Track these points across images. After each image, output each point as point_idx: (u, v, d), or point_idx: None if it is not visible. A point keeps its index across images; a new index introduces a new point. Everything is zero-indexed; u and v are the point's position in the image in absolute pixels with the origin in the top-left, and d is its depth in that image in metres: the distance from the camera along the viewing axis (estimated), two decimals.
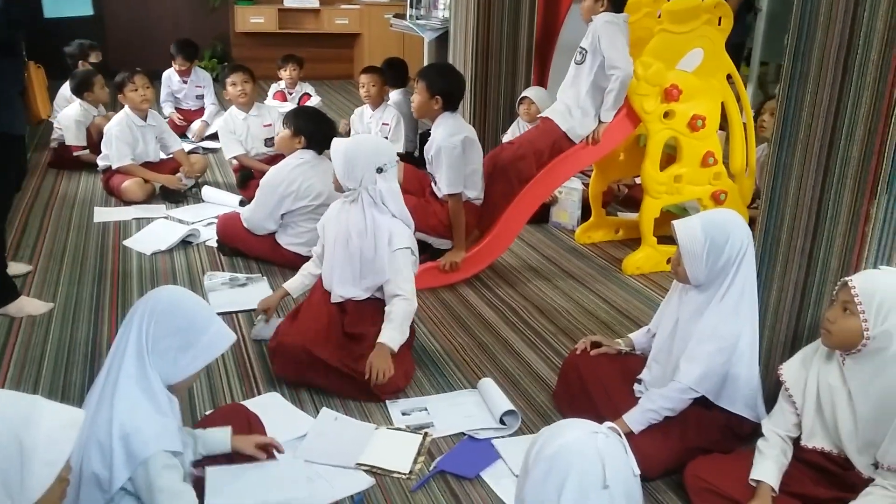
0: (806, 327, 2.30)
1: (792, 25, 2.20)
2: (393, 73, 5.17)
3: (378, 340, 2.46)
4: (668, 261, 2.75)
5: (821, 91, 2.14)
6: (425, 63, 7.19)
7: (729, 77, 3.69)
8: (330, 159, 2.68)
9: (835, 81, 2.10)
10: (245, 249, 3.59)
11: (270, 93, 6.12)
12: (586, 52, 3.47)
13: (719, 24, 3.53)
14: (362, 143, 2.71)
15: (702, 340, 2.14)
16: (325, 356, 2.46)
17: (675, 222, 2.22)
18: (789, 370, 2.07)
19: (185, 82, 5.84)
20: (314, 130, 3.46)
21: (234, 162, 4.59)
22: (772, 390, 2.20)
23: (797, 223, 2.28)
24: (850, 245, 2.15)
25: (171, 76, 5.86)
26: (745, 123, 3.72)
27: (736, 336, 2.13)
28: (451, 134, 3.27)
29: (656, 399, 2.14)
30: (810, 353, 2.05)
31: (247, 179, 4.39)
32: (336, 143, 2.64)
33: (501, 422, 2.37)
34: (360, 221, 2.58)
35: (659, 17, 3.62)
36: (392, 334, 2.47)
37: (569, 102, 3.52)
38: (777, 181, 2.35)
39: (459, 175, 3.30)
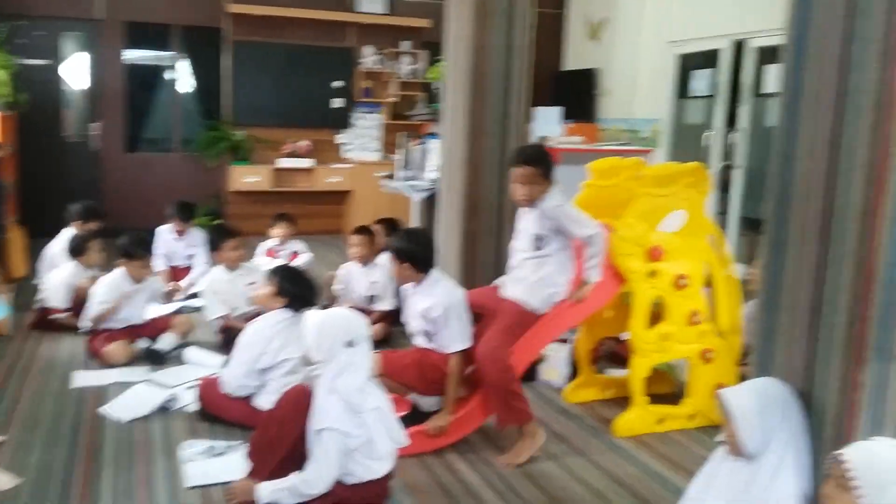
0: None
1: (770, 195, 2.26)
2: (387, 232, 5.27)
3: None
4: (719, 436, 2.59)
5: (802, 257, 2.17)
6: (413, 222, 7.38)
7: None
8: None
9: (816, 248, 2.13)
10: (225, 416, 3.49)
11: (261, 250, 6.19)
12: (545, 237, 3.36)
13: (699, 187, 3.64)
14: (335, 316, 2.72)
15: None
16: None
17: (721, 391, 2.23)
18: None
19: (180, 241, 5.92)
20: (296, 291, 3.47)
21: (219, 323, 4.56)
22: None
23: (787, 385, 2.23)
24: (842, 412, 2.10)
25: (165, 234, 5.94)
26: (728, 282, 3.74)
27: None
28: (450, 291, 3.31)
29: None
30: None
31: (231, 340, 4.33)
32: (310, 315, 2.66)
33: None
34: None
35: (641, 179, 3.74)
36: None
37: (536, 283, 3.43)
38: (765, 343, 2.33)
39: (468, 330, 3.30)
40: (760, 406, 2.10)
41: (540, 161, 3.34)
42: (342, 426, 2.55)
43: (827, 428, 2.13)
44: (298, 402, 2.66)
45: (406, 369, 3.27)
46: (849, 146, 2.00)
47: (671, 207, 3.62)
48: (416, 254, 3.31)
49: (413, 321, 3.41)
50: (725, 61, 7.20)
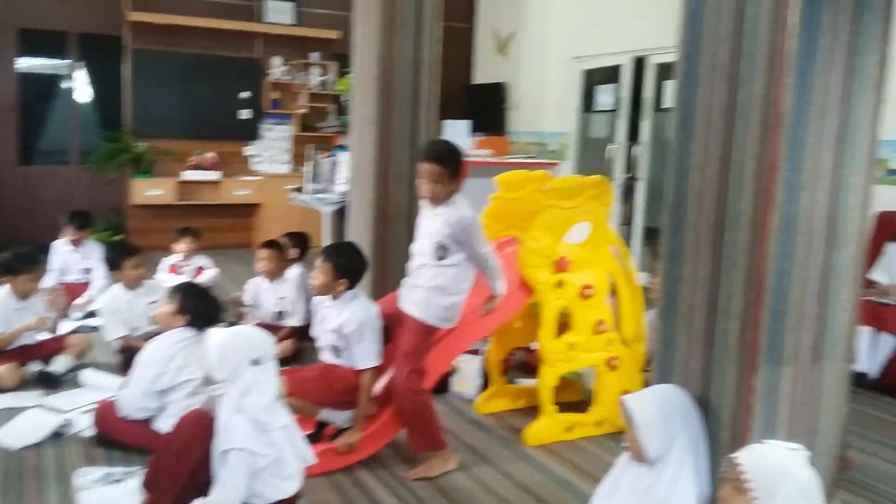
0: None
1: (667, 207, 2.34)
2: (296, 246, 5.19)
3: None
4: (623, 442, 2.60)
5: (697, 266, 2.24)
6: (324, 234, 7.28)
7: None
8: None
9: (709, 257, 2.21)
10: (123, 440, 3.34)
11: (164, 266, 5.98)
12: (448, 247, 3.20)
13: (602, 199, 3.73)
14: (239, 334, 2.63)
15: None
16: None
17: (623, 398, 2.26)
18: None
19: (76, 253, 5.65)
20: (198, 309, 3.36)
21: (118, 343, 4.38)
22: None
23: (686, 391, 2.30)
24: (738, 416, 2.17)
25: (59, 247, 5.66)
26: (632, 291, 3.85)
27: None
28: (366, 307, 3.27)
29: None
30: None
31: (131, 361, 4.16)
32: (213, 333, 2.57)
33: None
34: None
35: (547, 191, 3.80)
36: None
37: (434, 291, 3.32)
38: (665, 350, 2.40)
39: (380, 347, 3.26)
40: (662, 412, 2.16)
41: (449, 160, 3.13)
42: (250, 445, 2.47)
43: (723, 431, 2.21)
44: (199, 425, 2.56)
45: (311, 385, 3.20)
46: (738, 159, 2.08)
47: (576, 219, 3.70)
48: (355, 269, 3.28)
49: (324, 335, 3.34)
50: (627, 77, 7.44)
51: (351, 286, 3.28)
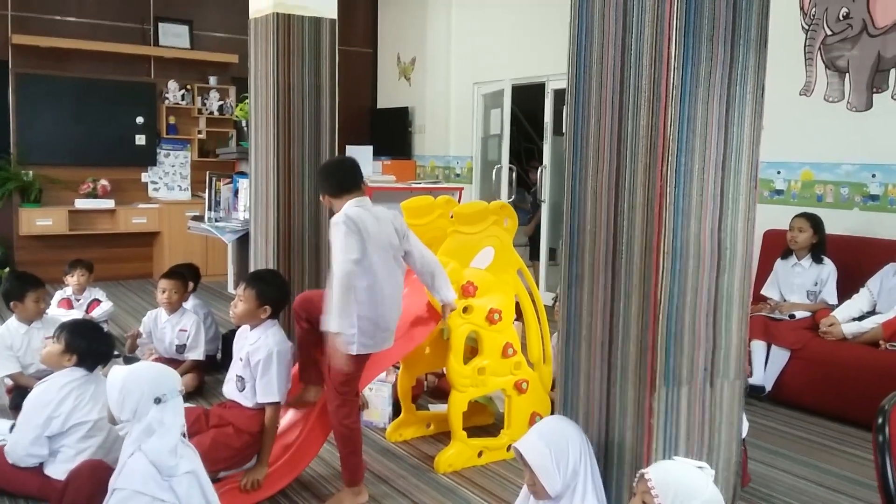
0: None
1: (564, 233, 2.38)
2: (191, 278, 5.04)
3: None
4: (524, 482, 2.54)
5: (595, 292, 2.30)
6: (230, 263, 7.10)
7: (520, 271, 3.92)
8: (104, 377, 2.51)
9: (606, 282, 2.26)
10: (12, 489, 3.13)
11: (55, 300, 5.67)
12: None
13: (505, 224, 3.78)
14: (142, 371, 2.53)
15: None
16: None
17: (515, 445, 2.28)
18: None
19: None
20: (87, 347, 3.19)
21: (8, 381, 4.12)
22: None
23: (590, 416, 2.34)
24: (640, 436, 2.22)
25: None
26: (538, 314, 3.90)
27: None
28: (280, 339, 3.18)
29: None
30: None
31: (21, 401, 3.92)
32: (115, 371, 2.45)
33: None
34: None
35: (451, 217, 3.82)
36: None
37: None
38: (568, 376, 2.43)
39: (285, 384, 3.17)
40: (555, 452, 2.18)
41: (320, 180, 3.21)
42: (147, 490, 2.35)
43: (626, 451, 2.25)
44: (93, 476, 2.43)
45: (209, 454, 2.89)
46: (629, 187, 2.15)
47: (481, 244, 3.73)
48: (278, 297, 3.21)
49: (234, 365, 3.26)
50: (507, 101, 7.63)
51: (273, 315, 3.21)
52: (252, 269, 4.67)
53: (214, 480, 2.95)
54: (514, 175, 7.79)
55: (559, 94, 7.19)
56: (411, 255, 3.16)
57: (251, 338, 3.21)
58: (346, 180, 3.07)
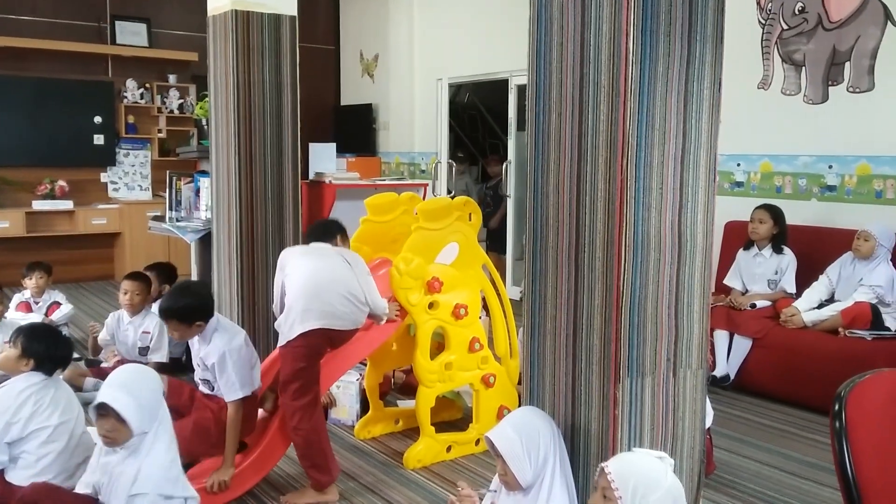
0: None
1: (527, 228, 2.40)
2: (162, 278, 4.98)
3: None
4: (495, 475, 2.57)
5: (559, 285, 2.31)
6: (193, 263, 7.01)
7: (485, 266, 3.93)
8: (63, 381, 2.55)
9: (569, 276, 2.28)
10: None
11: (13, 303, 5.56)
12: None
13: (470, 219, 3.79)
14: (139, 375, 2.50)
15: None
16: None
17: (487, 434, 2.28)
18: None
19: None
20: (45, 352, 3.13)
21: None
22: None
23: (556, 408, 2.36)
24: (605, 427, 2.25)
25: None
26: (504, 308, 3.92)
27: None
28: (228, 338, 3.15)
29: None
30: None
31: None
32: (118, 390, 2.40)
33: None
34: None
35: (416, 214, 3.82)
36: None
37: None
38: (533, 369, 2.45)
39: (247, 376, 3.16)
40: (526, 441, 2.20)
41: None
42: (164, 490, 2.41)
43: (592, 443, 2.28)
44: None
45: (190, 441, 3.03)
46: (590, 181, 2.17)
47: (445, 240, 3.73)
48: (203, 308, 3.15)
49: (197, 369, 3.25)
50: (444, 95, 7.76)
51: (206, 321, 3.16)
52: (215, 267, 4.63)
53: (189, 467, 2.95)
54: (478, 170, 7.81)
55: (522, 90, 7.22)
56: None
57: (198, 347, 3.21)
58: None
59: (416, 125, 8.50)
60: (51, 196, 7.91)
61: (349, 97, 9.60)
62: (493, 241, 7.70)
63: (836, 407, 1.56)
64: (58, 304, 5.55)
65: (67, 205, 7.94)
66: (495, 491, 2.40)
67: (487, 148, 9.78)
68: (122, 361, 4.66)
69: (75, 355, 4.40)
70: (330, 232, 3.52)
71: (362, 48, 9.29)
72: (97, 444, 2.56)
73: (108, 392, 2.39)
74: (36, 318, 5.11)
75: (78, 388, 4.11)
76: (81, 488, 2.63)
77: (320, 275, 3.22)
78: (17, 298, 5.57)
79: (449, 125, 8.28)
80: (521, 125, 7.31)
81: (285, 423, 3.19)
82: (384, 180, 6.20)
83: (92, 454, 2.72)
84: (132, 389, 2.40)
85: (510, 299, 4.02)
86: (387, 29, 8.85)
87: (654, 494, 1.89)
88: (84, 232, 8.03)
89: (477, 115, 10.12)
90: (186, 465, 3.12)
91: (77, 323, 5.91)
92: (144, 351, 4.64)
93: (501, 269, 7.27)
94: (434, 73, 8.19)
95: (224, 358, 3.12)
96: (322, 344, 3.24)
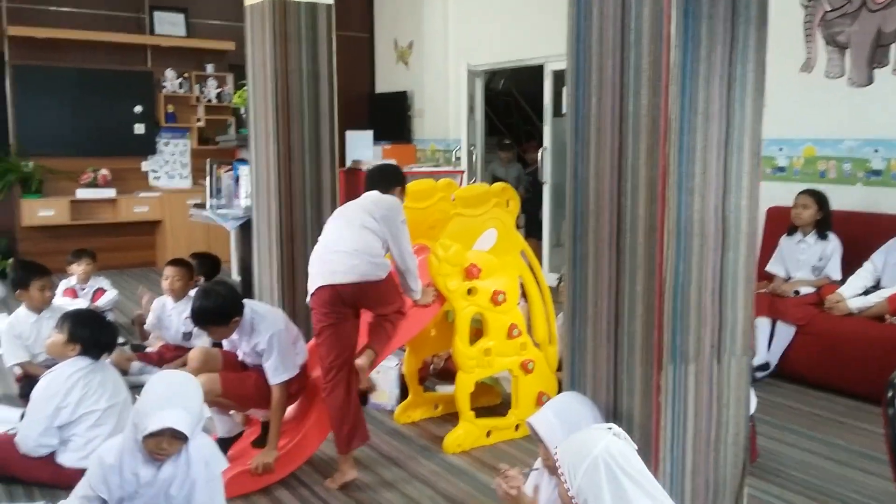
0: None
1: (568, 214, 2.39)
2: (204, 269, 5.06)
3: None
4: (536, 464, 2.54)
5: (600, 271, 2.30)
6: (232, 250, 7.11)
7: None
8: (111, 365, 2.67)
9: (611, 262, 2.27)
10: (26, 477, 3.17)
11: (60, 289, 5.68)
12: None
13: (507, 205, 3.79)
14: (186, 389, 2.45)
15: None
16: None
17: (528, 420, 2.27)
18: None
19: None
20: (90, 337, 3.21)
21: (17, 370, 4.15)
22: None
23: (598, 395, 2.36)
24: (648, 414, 2.24)
25: None
26: (542, 295, 3.91)
27: None
28: (271, 322, 3.23)
29: None
30: None
31: (30, 390, 3.95)
32: (173, 409, 2.33)
33: None
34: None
35: (453, 200, 3.83)
36: None
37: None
38: (574, 355, 2.45)
39: (290, 358, 3.23)
40: (567, 426, 2.18)
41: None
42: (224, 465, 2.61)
43: (635, 430, 2.26)
44: None
45: (247, 388, 3.24)
46: (632, 166, 2.15)
47: (483, 227, 3.73)
48: (233, 305, 3.18)
49: (247, 358, 3.32)
50: (462, 84, 7.68)
51: (241, 314, 3.19)
52: (255, 254, 4.68)
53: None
54: (515, 155, 7.77)
55: (558, 76, 7.16)
56: (391, 251, 3.34)
57: (241, 340, 3.27)
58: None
59: (451, 112, 8.49)
60: (94, 185, 8.07)
61: (384, 85, 9.61)
62: (531, 227, 7.67)
63: (890, 394, 1.54)
64: (103, 290, 5.67)
65: (110, 193, 8.09)
66: (538, 469, 2.40)
67: (522, 135, 9.74)
68: (166, 346, 4.76)
69: (120, 340, 4.51)
70: (386, 180, 3.49)
71: (397, 36, 9.29)
72: (101, 460, 2.48)
73: (168, 416, 2.29)
74: (82, 303, 5.22)
75: (124, 372, 4.20)
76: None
77: (326, 237, 3.33)
78: (63, 285, 5.70)
79: (483, 112, 8.24)
80: (556, 111, 7.26)
81: (325, 392, 3.24)
82: (420, 167, 6.22)
83: None
84: (185, 404, 2.36)
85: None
86: (421, 16, 8.83)
87: (582, 465, 1.85)
88: (126, 220, 8.19)
89: (511, 102, 10.07)
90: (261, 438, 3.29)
91: (121, 308, 6.03)
92: (188, 336, 4.73)
93: (537, 254, 7.24)
94: (468, 61, 8.16)
95: (272, 340, 3.19)
96: (330, 301, 3.19)
